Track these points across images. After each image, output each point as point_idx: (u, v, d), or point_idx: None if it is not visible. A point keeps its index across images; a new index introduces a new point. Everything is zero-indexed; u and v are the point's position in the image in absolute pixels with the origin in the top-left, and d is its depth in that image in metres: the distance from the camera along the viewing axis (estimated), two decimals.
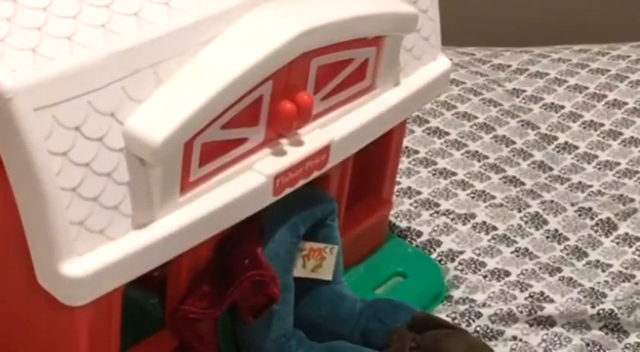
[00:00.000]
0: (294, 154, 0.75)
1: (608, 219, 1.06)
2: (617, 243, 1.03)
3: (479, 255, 0.99)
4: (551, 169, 1.14)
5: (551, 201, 1.08)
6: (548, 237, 1.03)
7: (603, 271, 1.00)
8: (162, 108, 0.66)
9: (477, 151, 1.14)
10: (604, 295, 0.96)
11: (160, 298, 0.76)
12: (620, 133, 1.20)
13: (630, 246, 1.03)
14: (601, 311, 0.93)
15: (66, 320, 0.68)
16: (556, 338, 0.90)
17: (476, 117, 1.20)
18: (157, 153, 0.65)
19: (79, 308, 0.66)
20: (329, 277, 0.84)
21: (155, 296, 0.78)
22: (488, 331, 0.91)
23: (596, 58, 1.34)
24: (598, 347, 0.90)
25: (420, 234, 1.02)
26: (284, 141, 0.75)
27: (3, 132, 0.61)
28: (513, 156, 1.15)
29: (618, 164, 1.15)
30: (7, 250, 0.67)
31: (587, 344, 0.90)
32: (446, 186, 1.08)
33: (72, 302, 0.65)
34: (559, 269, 0.99)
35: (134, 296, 0.74)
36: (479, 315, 0.92)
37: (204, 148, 0.69)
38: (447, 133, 1.17)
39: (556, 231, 1.04)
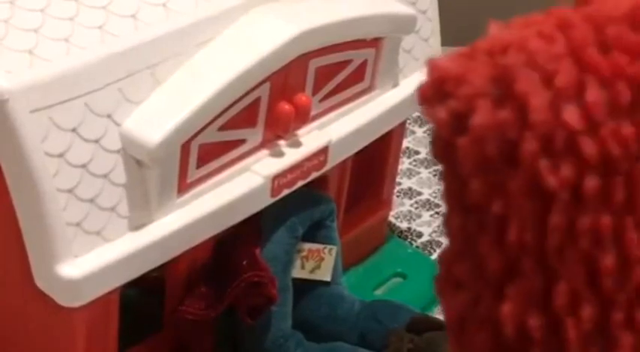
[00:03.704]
0: (292, 155, 0.75)
1: None
2: None
3: None
4: None
5: None
6: None
7: None
8: (159, 109, 0.66)
9: None
10: None
11: (158, 299, 0.75)
12: None
13: None
14: None
15: (63, 322, 0.68)
16: None
17: None
18: (154, 154, 0.65)
19: (76, 310, 0.66)
20: (328, 278, 0.84)
21: (153, 297, 0.77)
22: None
23: None
24: None
25: (420, 234, 1.02)
26: (282, 142, 0.75)
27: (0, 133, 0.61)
28: None
29: None
30: (5, 252, 0.67)
31: None
32: None
33: (69, 304, 0.65)
34: None
35: (132, 297, 0.74)
36: None
37: (202, 149, 0.69)
38: None
39: None
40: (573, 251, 0.33)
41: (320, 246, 0.82)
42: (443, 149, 0.35)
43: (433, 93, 0.35)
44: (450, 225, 0.37)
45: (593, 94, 0.32)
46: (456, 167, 0.35)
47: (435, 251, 1.00)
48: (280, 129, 0.75)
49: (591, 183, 0.32)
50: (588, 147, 0.32)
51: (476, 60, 0.35)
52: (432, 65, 0.35)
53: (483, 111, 0.33)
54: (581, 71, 0.33)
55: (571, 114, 0.32)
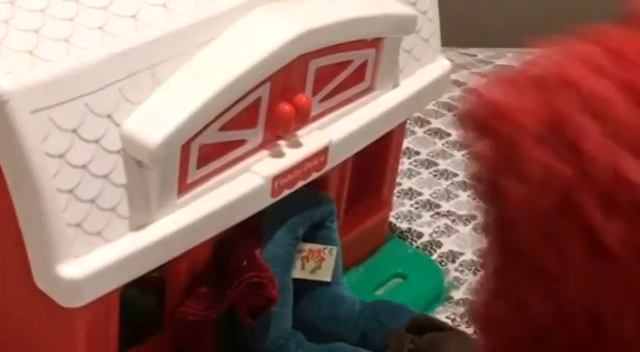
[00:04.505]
0: (292, 156, 0.75)
1: None
2: None
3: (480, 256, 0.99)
4: None
5: None
6: None
7: None
8: (159, 110, 0.66)
9: None
10: None
11: (159, 299, 0.76)
12: None
13: None
14: None
15: (64, 322, 0.68)
16: None
17: None
18: (154, 154, 0.65)
19: (76, 310, 0.66)
20: (328, 278, 0.84)
21: (153, 297, 0.78)
22: None
23: None
24: None
25: (420, 235, 1.02)
26: (282, 142, 0.75)
27: (0, 134, 0.61)
28: None
29: None
30: (5, 252, 0.67)
31: None
32: (447, 188, 1.08)
33: (69, 304, 0.65)
34: None
35: (132, 297, 0.74)
36: None
37: (202, 150, 0.69)
38: (449, 134, 1.16)
39: None
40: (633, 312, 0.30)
41: (320, 247, 0.82)
42: (487, 187, 0.33)
43: (478, 124, 0.33)
44: (487, 263, 0.34)
45: None
46: (501, 207, 0.32)
47: (435, 251, 1.00)
48: (280, 129, 0.75)
49: None
50: None
51: (527, 95, 0.32)
52: (481, 96, 0.33)
53: (538, 161, 0.31)
54: None
55: (634, 170, 0.29)
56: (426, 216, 1.04)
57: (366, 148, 0.84)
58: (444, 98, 1.21)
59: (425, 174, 1.10)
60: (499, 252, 0.33)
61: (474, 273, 0.97)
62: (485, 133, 0.33)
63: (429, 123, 1.18)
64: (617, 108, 0.30)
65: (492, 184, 0.33)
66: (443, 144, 1.15)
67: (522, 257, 0.32)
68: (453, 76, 1.19)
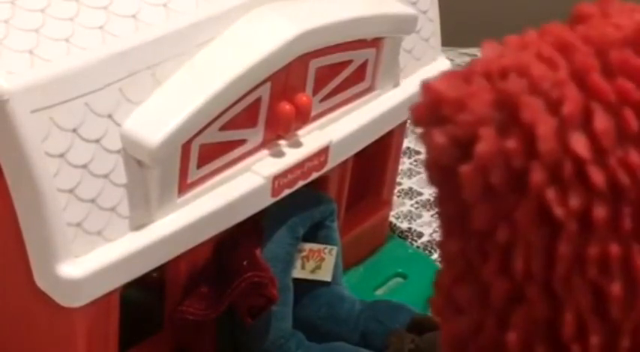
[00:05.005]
0: (292, 155, 0.75)
1: None
2: None
3: None
4: None
5: None
6: None
7: None
8: (159, 109, 0.66)
9: None
10: None
11: (159, 299, 0.76)
12: None
13: None
14: None
15: (64, 322, 0.68)
16: None
17: None
18: (155, 154, 0.65)
19: (77, 310, 0.66)
20: (328, 278, 0.84)
21: (153, 297, 0.78)
22: None
23: None
24: None
25: (420, 234, 1.01)
26: (283, 142, 0.75)
27: (0, 133, 0.61)
28: None
29: None
30: (6, 252, 0.67)
31: None
32: None
33: (70, 304, 0.65)
34: None
35: (132, 297, 0.74)
36: None
37: (203, 150, 0.69)
38: None
39: None
40: (580, 279, 0.32)
41: (320, 246, 0.82)
42: (441, 173, 0.35)
43: (429, 116, 0.34)
44: (447, 249, 0.36)
45: (601, 122, 0.31)
46: (457, 192, 0.33)
47: (435, 251, 0.99)
48: (281, 129, 0.75)
49: (600, 212, 0.31)
50: (597, 176, 0.31)
51: (474, 83, 0.34)
52: (428, 87, 0.34)
53: (487, 140, 0.32)
54: (586, 97, 0.32)
55: (579, 143, 0.31)
56: (427, 215, 1.04)
57: (366, 148, 0.84)
58: None
59: (425, 173, 1.10)
60: (456, 236, 0.35)
61: None
62: (435, 121, 0.34)
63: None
64: (563, 89, 0.32)
65: (446, 169, 0.34)
66: None
67: (478, 236, 0.34)
68: None
